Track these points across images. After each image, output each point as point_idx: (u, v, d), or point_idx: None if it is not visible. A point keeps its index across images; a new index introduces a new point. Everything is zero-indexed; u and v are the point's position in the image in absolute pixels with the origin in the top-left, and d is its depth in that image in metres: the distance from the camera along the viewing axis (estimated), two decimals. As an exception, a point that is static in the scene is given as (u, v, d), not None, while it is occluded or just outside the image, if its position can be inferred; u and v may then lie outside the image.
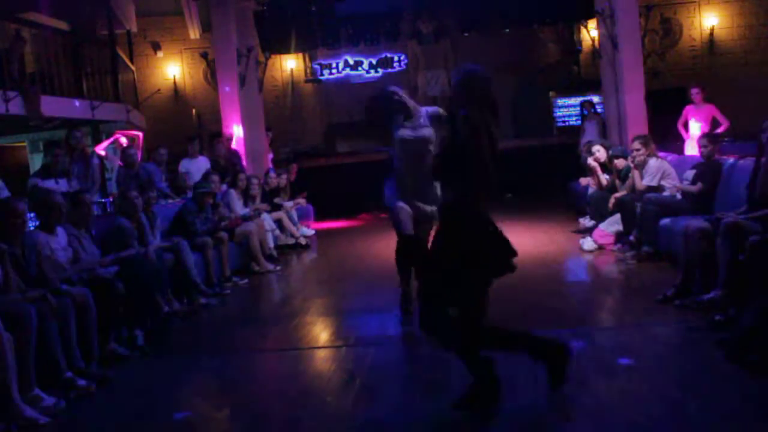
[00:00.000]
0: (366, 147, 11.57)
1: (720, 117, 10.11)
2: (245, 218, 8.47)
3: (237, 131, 11.36)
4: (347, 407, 3.82)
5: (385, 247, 9.15)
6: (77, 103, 10.72)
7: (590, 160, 8.76)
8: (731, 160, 6.54)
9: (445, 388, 4.04)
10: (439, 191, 5.50)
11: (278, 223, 9.48)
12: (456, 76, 3.80)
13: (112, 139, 11.21)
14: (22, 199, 4.95)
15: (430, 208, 5.31)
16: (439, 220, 3.82)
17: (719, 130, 9.81)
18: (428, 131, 5.41)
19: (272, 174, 10.51)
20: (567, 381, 3.69)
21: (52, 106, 9.73)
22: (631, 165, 7.59)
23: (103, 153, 10.55)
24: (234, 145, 11.24)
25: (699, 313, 4.87)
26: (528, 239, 8.81)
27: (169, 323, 5.97)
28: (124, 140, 11.01)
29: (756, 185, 5.14)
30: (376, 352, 4.82)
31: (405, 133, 5.43)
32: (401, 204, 5.37)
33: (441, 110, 5.60)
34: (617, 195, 7.70)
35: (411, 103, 5.57)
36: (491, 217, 3.64)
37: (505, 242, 3.61)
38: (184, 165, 9.71)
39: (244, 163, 11.03)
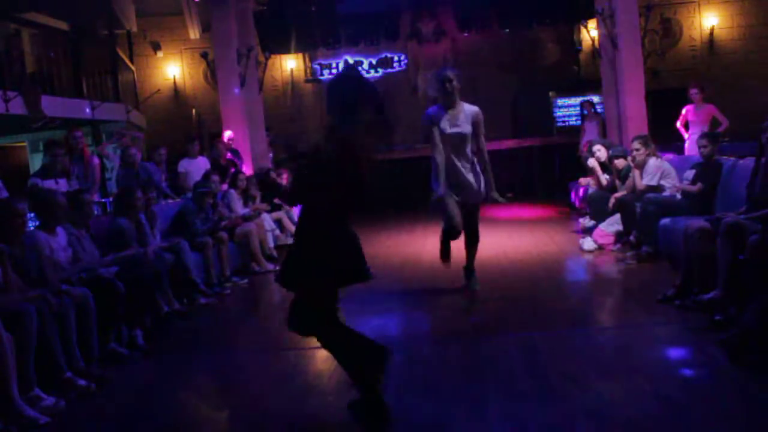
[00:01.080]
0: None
1: (720, 117, 10.11)
2: (245, 218, 8.47)
3: (230, 134, 11.30)
4: (347, 407, 3.81)
5: (384, 246, 9.18)
6: (78, 104, 10.73)
7: (590, 160, 8.76)
8: (731, 160, 6.54)
9: (444, 388, 4.04)
10: (478, 169, 6.06)
11: (278, 223, 9.49)
12: (327, 85, 3.67)
13: (115, 138, 11.20)
14: (22, 199, 4.94)
15: (475, 190, 6.01)
16: (300, 232, 3.71)
17: (719, 130, 9.81)
18: (467, 128, 5.92)
19: (272, 174, 10.50)
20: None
21: (52, 106, 9.73)
22: (631, 165, 7.59)
23: (105, 152, 10.54)
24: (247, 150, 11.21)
25: (699, 313, 4.86)
26: (528, 239, 8.83)
27: (169, 323, 5.96)
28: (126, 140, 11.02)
29: (756, 185, 5.14)
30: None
31: (446, 127, 5.90)
32: (447, 195, 5.85)
33: (479, 113, 6.01)
34: (617, 195, 7.69)
35: (456, 94, 5.98)
36: (351, 230, 3.62)
37: (359, 255, 3.59)
38: (184, 165, 9.70)
39: (244, 163, 11.01)
